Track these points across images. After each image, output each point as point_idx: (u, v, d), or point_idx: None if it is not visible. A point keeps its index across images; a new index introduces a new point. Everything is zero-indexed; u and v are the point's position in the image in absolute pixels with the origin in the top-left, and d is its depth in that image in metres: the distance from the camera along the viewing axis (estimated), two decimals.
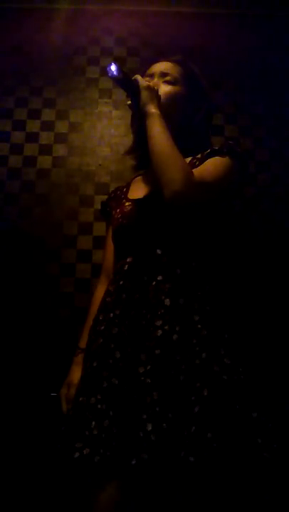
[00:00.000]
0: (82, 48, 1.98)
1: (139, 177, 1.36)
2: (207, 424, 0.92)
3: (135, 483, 0.96)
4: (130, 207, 1.23)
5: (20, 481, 1.43)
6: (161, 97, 1.20)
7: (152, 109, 1.13)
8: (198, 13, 2.01)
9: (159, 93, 1.20)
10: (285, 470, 0.93)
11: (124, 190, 1.36)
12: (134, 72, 1.20)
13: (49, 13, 1.98)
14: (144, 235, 1.16)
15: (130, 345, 1.04)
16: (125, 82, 1.16)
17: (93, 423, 0.97)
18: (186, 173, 1.04)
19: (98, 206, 1.74)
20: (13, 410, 1.51)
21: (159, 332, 1.02)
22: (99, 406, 0.99)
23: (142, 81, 1.16)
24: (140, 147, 1.31)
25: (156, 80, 1.25)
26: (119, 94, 1.84)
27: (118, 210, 1.27)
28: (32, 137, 1.86)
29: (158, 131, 1.11)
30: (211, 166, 1.13)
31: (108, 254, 1.37)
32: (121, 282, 1.13)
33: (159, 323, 1.03)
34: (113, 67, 1.13)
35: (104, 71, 1.90)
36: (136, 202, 1.23)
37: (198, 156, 1.19)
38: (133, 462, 0.89)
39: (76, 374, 1.22)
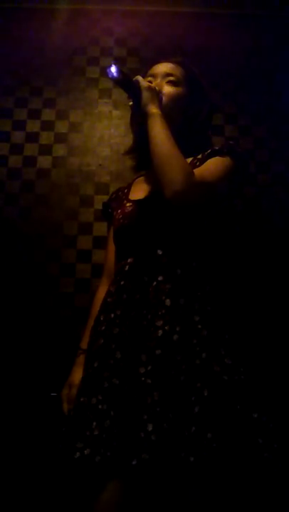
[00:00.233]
0: (82, 48, 1.98)
1: (140, 178, 1.37)
2: (207, 424, 0.92)
3: (136, 483, 0.96)
4: (131, 207, 1.24)
5: (21, 481, 1.43)
6: (165, 98, 1.20)
7: (153, 109, 1.14)
8: (198, 13, 2.01)
9: (163, 94, 1.20)
10: (286, 470, 0.93)
11: (126, 191, 1.37)
12: (134, 72, 1.20)
13: (49, 13, 1.98)
14: (145, 236, 1.16)
15: (131, 346, 1.04)
16: (126, 83, 1.16)
17: (94, 423, 0.97)
18: (187, 173, 1.04)
19: (98, 206, 1.75)
20: (14, 410, 1.50)
21: (160, 332, 1.02)
22: (100, 406, 0.99)
23: (143, 81, 1.16)
24: (140, 147, 1.31)
25: (158, 80, 1.25)
26: (119, 94, 1.84)
27: (119, 211, 1.28)
28: (32, 137, 1.86)
29: (159, 132, 1.11)
30: (212, 166, 1.13)
31: (109, 255, 1.37)
32: (122, 283, 1.13)
33: (159, 323, 1.03)
34: (113, 69, 1.13)
35: (104, 71, 1.91)
36: (137, 202, 1.24)
37: (199, 156, 1.20)
38: (134, 462, 0.89)
39: (77, 374, 1.22)
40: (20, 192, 1.79)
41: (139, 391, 0.97)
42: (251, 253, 1.72)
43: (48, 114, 1.89)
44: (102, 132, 1.88)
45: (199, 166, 1.14)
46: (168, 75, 1.26)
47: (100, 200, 1.77)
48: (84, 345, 1.25)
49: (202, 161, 1.16)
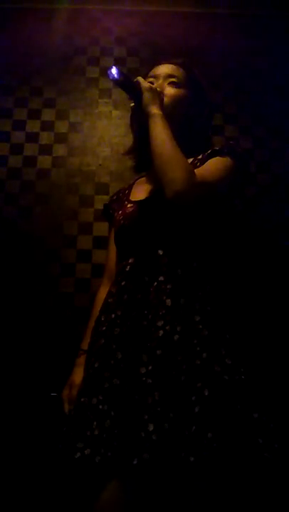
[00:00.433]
0: (82, 47, 1.98)
1: (141, 179, 1.37)
2: (207, 424, 0.92)
3: (136, 483, 0.96)
4: (132, 208, 1.24)
5: (21, 481, 1.42)
6: (166, 99, 1.21)
7: (155, 109, 1.14)
8: (198, 13, 2.01)
9: (164, 95, 1.21)
10: (286, 470, 0.93)
11: (126, 192, 1.37)
12: (133, 72, 1.21)
13: (49, 13, 1.98)
14: (146, 236, 1.16)
15: (132, 346, 1.04)
16: (126, 84, 1.17)
17: (94, 423, 0.97)
18: (188, 173, 1.05)
19: (98, 206, 1.75)
20: (14, 410, 1.50)
21: (161, 332, 1.02)
22: (100, 406, 0.99)
23: (144, 82, 1.17)
24: (140, 148, 1.32)
25: (160, 82, 1.26)
26: (119, 94, 1.84)
27: (120, 212, 1.28)
28: (32, 137, 1.86)
29: (160, 132, 1.11)
30: (212, 166, 1.14)
31: (110, 256, 1.38)
32: (122, 283, 1.14)
33: (160, 323, 1.03)
34: (114, 71, 1.13)
35: (105, 71, 1.91)
36: (137, 203, 1.24)
37: (200, 156, 1.20)
38: (134, 462, 0.89)
39: (78, 375, 1.22)
40: (21, 192, 1.79)
41: (140, 391, 0.97)
42: (251, 253, 1.72)
43: (48, 114, 1.89)
44: (102, 132, 1.88)
45: (200, 166, 1.15)
46: (170, 76, 1.26)
47: (100, 200, 1.78)
48: (85, 345, 1.26)
49: (203, 162, 1.17)
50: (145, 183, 1.33)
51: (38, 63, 1.94)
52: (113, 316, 1.10)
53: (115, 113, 1.90)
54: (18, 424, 1.49)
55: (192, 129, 1.27)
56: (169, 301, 1.06)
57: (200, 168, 1.13)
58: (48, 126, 1.88)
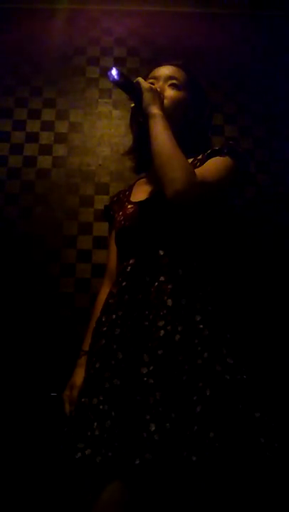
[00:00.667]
0: (82, 48, 1.98)
1: (142, 180, 1.38)
2: (209, 423, 0.92)
3: (137, 483, 0.96)
4: (132, 209, 1.25)
5: (21, 481, 1.42)
6: (167, 101, 1.21)
7: (155, 110, 1.14)
8: (198, 13, 2.01)
9: (165, 97, 1.21)
10: (286, 470, 0.93)
11: (127, 193, 1.38)
12: (133, 72, 1.21)
13: (49, 13, 1.98)
14: (146, 237, 1.17)
15: (133, 346, 1.04)
16: (127, 85, 1.17)
17: (95, 424, 0.98)
18: (189, 173, 1.05)
19: (98, 206, 1.75)
20: (13, 410, 1.50)
21: (162, 332, 1.02)
22: (101, 407, 0.99)
23: (144, 83, 1.17)
24: (140, 148, 1.32)
25: (161, 83, 1.26)
26: (119, 94, 1.84)
27: (121, 213, 1.29)
28: (32, 137, 1.86)
29: (161, 132, 1.11)
30: (212, 166, 1.14)
31: (111, 257, 1.39)
32: (123, 284, 1.14)
33: (161, 323, 1.03)
34: (114, 72, 1.13)
35: (105, 71, 1.91)
36: (138, 204, 1.24)
37: (199, 157, 1.21)
38: (137, 462, 0.89)
39: (79, 376, 1.22)
40: (21, 192, 1.79)
41: (141, 391, 0.97)
42: (251, 253, 1.72)
43: (48, 114, 1.89)
44: (102, 132, 1.88)
45: (199, 166, 1.15)
46: (170, 78, 1.26)
47: (100, 200, 1.78)
48: (86, 346, 1.26)
49: (202, 162, 1.17)
50: (145, 184, 1.33)
51: (38, 63, 1.94)
52: (114, 316, 1.11)
53: (115, 113, 1.90)
54: (18, 424, 1.49)
55: (192, 131, 1.27)
56: (170, 301, 1.06)
57: (200, 168, 1.13)
58: (48, 126, 1.88)
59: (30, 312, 1.64)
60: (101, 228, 1.72)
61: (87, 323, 1.34)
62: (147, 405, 0.95)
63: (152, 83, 1.24)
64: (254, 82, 1.95)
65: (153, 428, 0.91)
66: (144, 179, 1.37)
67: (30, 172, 1.81)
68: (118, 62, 1.95)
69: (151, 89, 1.17)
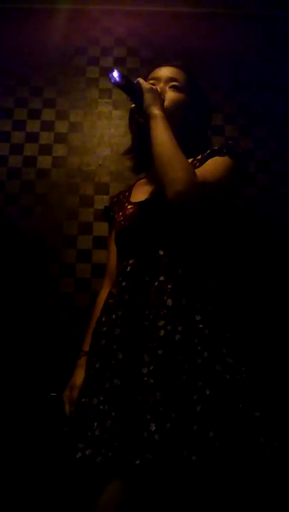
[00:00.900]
0: (82, 48, 1.98)
1: (141, 180, 1.38)
2: (209, 423, 0.92)
3: (137, 483, 0.96)
4: (132, 209, 1.25)
5: (22, 481, 1.42)
6: (167, 103, 1.21)
7: (156, 110, 1.14)
8: (198, 13, 2.01)
9: (165, 98, 1.21)
10: (286, 469, 0.93)
11: (127, 194, 1.38)
12: (134, 72, 1.21)
13: (49, 13, 1.98)
14: (146, 237, 1.17)
15: (133, 346, 1.04)
16: (127, 86, 1.17)
17: (95, 424, 0.97)
18: (189, 173, 1.05)
19: (98, 206, 1.75)
20: (14, 410, 1.50)
21: (162, 332, 1.02)
22: (101, 407, 0.99)
23: (145, 83, 1.17)
24: (139, 148, 1.32)
25: (162, 85, 1.26)
26: (119, 94, 1.84)
27: (120, 213, 1.29)
28: (32, 137, 1.86)
29: (162, 133, 1.11)
30: (212, 166, 1.14)
31: (111, 257, 1.39)
32: (123, 284, 1.14)
33: (161, 323, 1.03)
34: (115, 74, 1.13)
35: (105, 71, 1.93)
36: (137, 204, 1.24)
37: (199, 157, 1.21)
38: (137, 462, 0.89)
39: (79, 376, 1.23)
40: (20, 192, 1.79)
41: (141, 391, 0.97)
42: (251, 253, 1.72)
43: (48, 114, 1.89)
44: (102, 132, 1.88)
45: (199, 166, 1.15)
46: (171, 79, 1.27)
47: (100, 200, 1.78)
48: (86, 347, 1.26)
49: (202, 162, 1.17)
50: (145, 184, 1.33)
51: (38, 63, 1.94)
52: (114, 316, 1.11)
53: (115, 113, 1.90)
54: (18, 424, 1.48)
55: (192, 131, 1.27)
56: (169, 301, 1.06)
57: (200, 168, 1.13)
58: (48, 126, 1.88)
59: (30, 312, 1.64)
60: (101, 228, 1.72)
61: (87, 323, 1.34)
62: (148, 405, 0.95)
63: (153, 84, 1.24)
64: (254, 82, 1.95)
65: (153, 428, 0.91)
66: (143, 179, 1.37)
67: (30, 172, 1.81)
68: (118, 63, 1.95)
69: (152, 90, 1.17)
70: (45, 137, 1.86)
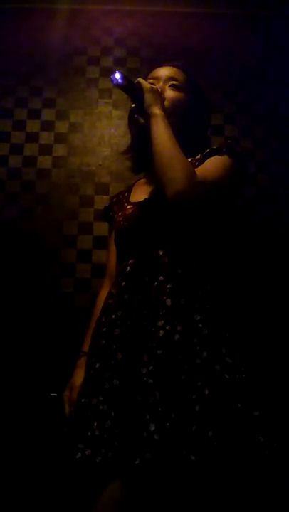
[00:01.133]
0: (82, 47, 1.98)
1: (141, 180, 1.38)
2: (208, 422, 0.92)
3: (137, 483, 0.96)
4: (131, 209, 1.25)
5: (21, 481, 1.43)
6: (167, 102, 1.21)
7: (156, 110, 1.14)
8: (198, 13, 2.01)
9: (165, 98, 1.21)
10: (286, 469, 0.93)
11: (126, 194, 1.38)
12: (134, 72, 1.21)
13: (49, 13, 1.98)
14: (146, 237, 1.17)
15: (132, 346, 1.04)
16: (128, 87, 1.17)
17: (95, 424, 0.97)
18: (189, 173, 1.05)
19: (98, 206, 1.75)
20: (14, 410, 1.50)
21: (161, 332, 1.02)
22: (101, 407, 0.99)
23: (145, 83, 1.17)
24: (138, 148, 1.32)
25: (161, 84, 1.26)
26: (119, 94, 1.84)
27: (120, 214, 1.29)
28: (32, 137, 1.86)
29: (162, 132, 1.11)
30: (211, 165, 1.14)
31: (111, 258, 1.39)
32: (123, 284, 1.14)
33: (160, 323, 1.03)
34: (117, 75, 1.14)
35: (105, 71, 1.93)
36: (137, 204, 1.24)
37: (198, 156, 1.21)
38: (137, 462, 0.89)
39: (79, 377, 1.22)
40: (21, 192, 1.79)
41: (141, 391, 0.97)
42: (251, 253, 1.73)
43: (48, 114, 1.89)
44: (102, 132, 1.88)
45: (198, 166, 1.15)
46: (170, 79, 1.27)
47: (100, 200, 1.78)
48: (86, 347, 1.26)
49: (201, 161, 1.17)
50: (144, 184, 1.33)
51: (38, 63, 1.94)
52: (113, 316, 1.11)
53: (115, 113, 1.90)
54: (18, 424, 1.49)
55: (191, 131, 1.27)
56: (169, 301, 1.06)
57: (199, 167, 1.13)
58: (48, 126, 1.88)
59: (30, 312, 1.64)
60: (101, 228, 1.72)
61: (87, 323, 1.34)
62: (147, 405, 0.94)
63: (152, 83, 1.24)
64: (254, 82, 1.95)
65: (153, 428, 0.91)
66: (143, 180, 1.37)
67: (30, 172, 1.82)
68: (118, 63, 1.95)
69: (152, 90, 1.17)
70: (45, 137, 1.86)
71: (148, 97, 1.15)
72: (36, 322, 1.63)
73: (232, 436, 0.91)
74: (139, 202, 1.24)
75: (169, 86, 1.26)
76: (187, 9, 2.01)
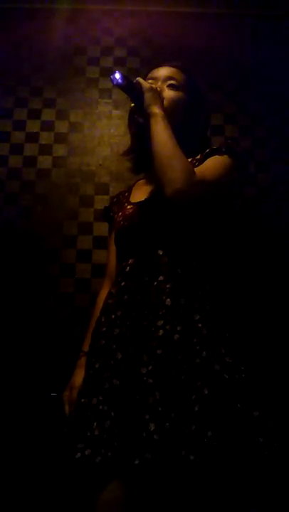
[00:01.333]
0: (82, 47, 1.98)
1: (141, 181, 1.38)
2: (207, 422, 0.91)
3: (136, 483, 0.96)
4: (131, 210, 1.25)
5: (21, 481, 1.43)
6: (165, 101, 1.21)
7: (156, 109, 1.14)
8: (198, 13, 2.01)
9: (164, 97, 1.21)
10: (286, 469, 0.93)
11: (126, 194, 1.38)
12: (134, 72, 1.21)
13: (49, 13, 1.98)
14: (146, 237, 1.17)
15: (132, 346, 1.04)
16: (128, 87, 1.17)
17: (95, 424, 0.98)
18: (189, 172, 1.05)
19: (98, 206, 1.75)
20: (14, 410, 1.50)
21: (161, 332, 1.02)
22: (100, 407, 0.99)
23: (145, 83, 1.17)
24: (138, 148, 1.32)
25: (160, 84, 1.26)
26: (119, 94, 1.84)
27: (120, 214, 1.29)
28: (32, 137, 1.86)
29: (162, 132, 1.11)
30: (211, 165, 1.14)
31: (111, 258, 1.39)
32: (122, 284, 1.14)
33: (160, 323, 1.03)
34: (117, 76, 1.13)
35: (105, 71, 1.93)
36: (137, 204, 1.24)
37: (198, 156, 1.21)
38: (136, 462, 0.89)
39: (78, 377, 1.22)
40: (21, 192, 1.79)
41: (140, 391, 0.97)
42: (251, 253, 1.73)
43: (48, 114, 1.89)
44: (102, 132, 1.88)
45: (198, 165, 1.15)
46: (169, 78, 1.27)
47: (100, 200, 1.78)
48: (85, 347, 1.26)
49: (201, 161, 1.17)
50: (144, 184, 1.34)
51: (38, 63, 1.94)
52: (113, 316, 1.11)
53: (115, 113, 1.90)
54: (18, 424, 1.49)
55: (190, 131, 1.27)
56: (168, 301, 1.06)
57: (199, 167, 1.13)
58: (48, 126, 1.88)
59: (30, 312, 1.64)
60: (101, 228, 1.72)
61: (87, 323, 1.34)
62: (147, 405, 0.94)
63: (151, 83, 1.24)
64: (254, 82, 1.95)
65: (152, 428, 0.91)
66: (143, 180, 1.38)
67: (30, 172, 1.82)
68: (118, 63, 1.95)
69: (152, 89, 1.17)
70: (45, 137, 1.87)
71: (148, 97, 1.15)
72: (36, 322, 1.63)
73: (231, 436, 0.91)
74: (139, 202, 1.25)
75: (168, 86, 1.26)
76: (187, 9, 2.01)
